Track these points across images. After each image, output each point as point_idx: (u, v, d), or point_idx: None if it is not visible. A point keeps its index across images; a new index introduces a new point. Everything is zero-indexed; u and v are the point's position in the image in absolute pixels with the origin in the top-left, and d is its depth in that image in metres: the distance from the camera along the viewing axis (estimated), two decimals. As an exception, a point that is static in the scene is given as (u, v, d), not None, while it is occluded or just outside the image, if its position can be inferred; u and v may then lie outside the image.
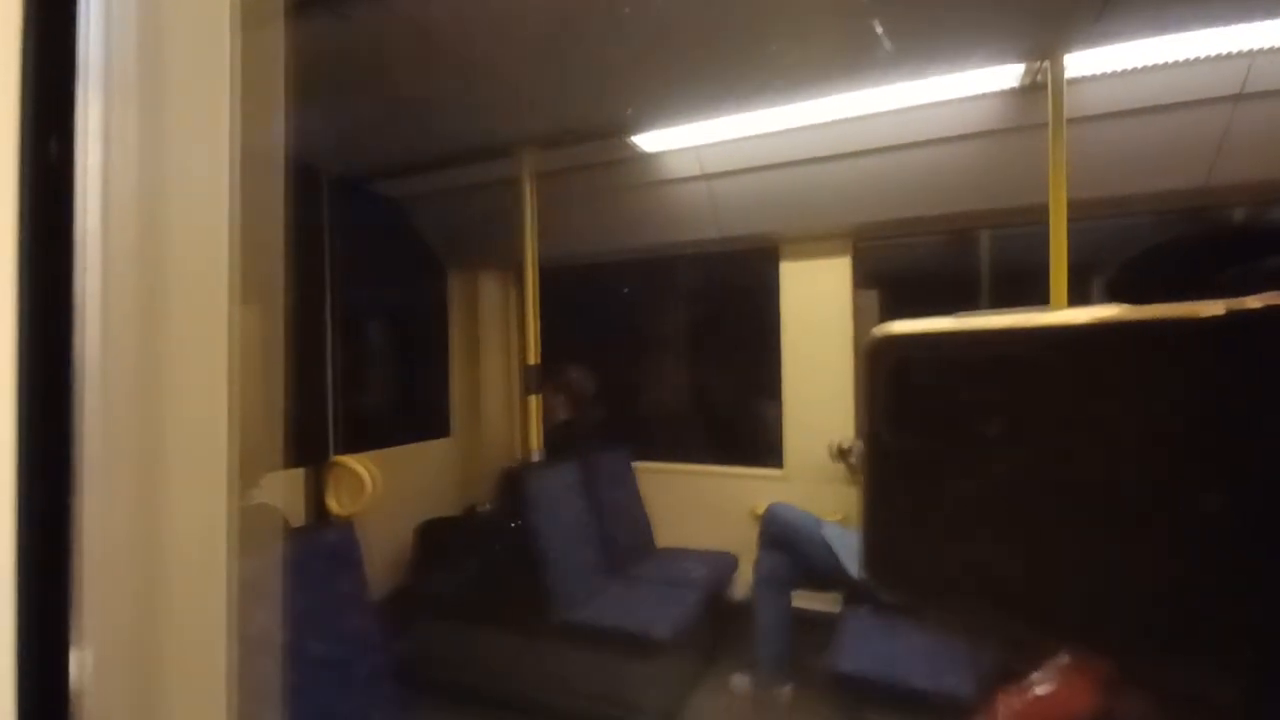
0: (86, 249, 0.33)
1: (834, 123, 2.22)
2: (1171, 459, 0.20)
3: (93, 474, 0.34)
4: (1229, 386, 0.19)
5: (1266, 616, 0.19)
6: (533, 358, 2.64)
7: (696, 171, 2.56)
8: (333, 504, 2.28)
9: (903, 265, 2.81)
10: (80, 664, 0.34)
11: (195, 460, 0.37)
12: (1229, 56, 1.78)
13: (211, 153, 0.37)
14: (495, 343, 3.55)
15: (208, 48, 0.37)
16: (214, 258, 0.37)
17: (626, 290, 3.43)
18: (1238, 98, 1.85)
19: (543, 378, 2.68)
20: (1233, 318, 0.19)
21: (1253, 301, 0.18)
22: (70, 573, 0.34)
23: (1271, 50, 1.74)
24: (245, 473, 0.43)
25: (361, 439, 2.63)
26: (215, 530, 0.38)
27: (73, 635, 0.34)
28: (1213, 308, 0.19)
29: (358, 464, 2.31)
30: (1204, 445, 0.20)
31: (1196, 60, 1.81)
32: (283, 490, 2.29)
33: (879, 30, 1.62)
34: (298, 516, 2.36)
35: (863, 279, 2.76)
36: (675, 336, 3.42)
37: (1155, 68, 1.85)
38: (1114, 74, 1.89)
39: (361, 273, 2.84)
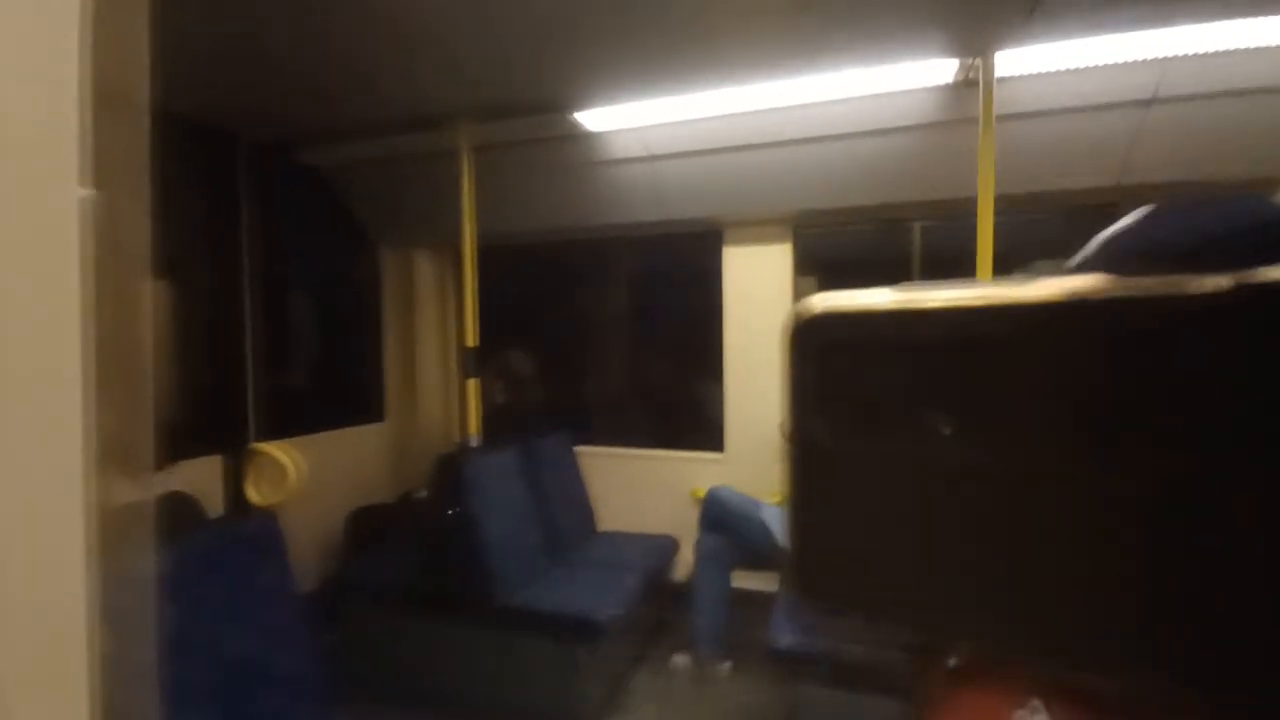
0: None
1: (777, 109, 2.23)
2: (1157, 450, 0.18)
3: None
4: (1235, 365, 0.17)
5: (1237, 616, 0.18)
6: (471, 340, 2.55)
7: (641, 153, 2.52)
8: (252, 493, 2.15)
9: (841, 252, 2.87)
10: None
11: (40, 453, 0.32)
12: (1143, 63, 1.88)
13: (54, 94, 0.31)
14: (432, 324, 3.42)
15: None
16: (59, 221, 0.31)
17: (569, 270, 3.36)
18: (1150, 102, 1.97)
19: (481, 360, 2.61)
20: (1241, 291, 0.17)
21: (1263, 274, 0.17)
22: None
23: (1182, 58, 1.85)
24: (116, 464, 0.38)
25: (286, 424, 2.49)
26: (69, 531, 0.33)
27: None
28: (1216, 281, 0.17)
29: (279, 451, 2.19)
30: (1200, 434, 0.17)
31: (1114, 65, 1.90)
32: (198, 478, 2.14)
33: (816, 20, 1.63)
34: (216, 506, 2.22)
35: (803, 265, 2.80)
36: (617, 319, 3.39)
37: (1077, 71, 1.94)
38: (1040, 75, 1.96)
39: (284, 246, 2.66)
